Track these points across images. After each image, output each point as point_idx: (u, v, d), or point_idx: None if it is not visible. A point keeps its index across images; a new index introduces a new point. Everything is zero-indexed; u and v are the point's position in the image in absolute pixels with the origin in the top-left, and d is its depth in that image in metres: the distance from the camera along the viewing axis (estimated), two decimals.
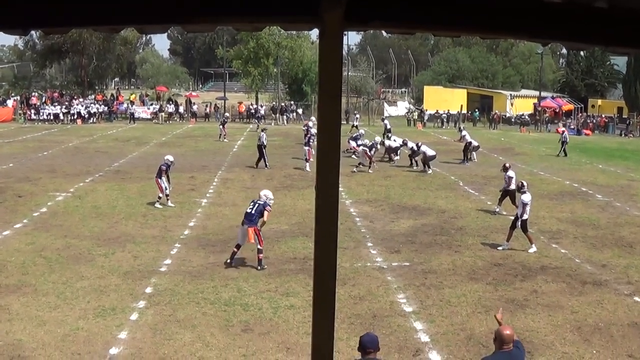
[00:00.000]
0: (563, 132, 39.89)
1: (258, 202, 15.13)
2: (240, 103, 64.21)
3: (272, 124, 57.33)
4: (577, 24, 1.95)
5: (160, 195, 21.06)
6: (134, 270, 14.54)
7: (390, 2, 1.84)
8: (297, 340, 10.84)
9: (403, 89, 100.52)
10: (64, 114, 55.01)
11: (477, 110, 64.82)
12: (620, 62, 71.18)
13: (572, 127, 59.38)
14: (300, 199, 22.36)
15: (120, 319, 11.69)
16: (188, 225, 18.89)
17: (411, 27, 1.97)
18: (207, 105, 63.75)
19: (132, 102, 64.49)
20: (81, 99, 61.20)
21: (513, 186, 20.25)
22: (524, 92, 76.09)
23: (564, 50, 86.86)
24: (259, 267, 14.74)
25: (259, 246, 14.84)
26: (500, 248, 16.80)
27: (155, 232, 18.00)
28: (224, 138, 41.45)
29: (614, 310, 12.62)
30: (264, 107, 63.43)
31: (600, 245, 17.45)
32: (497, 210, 21.02)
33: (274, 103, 66.14)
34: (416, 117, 60.86)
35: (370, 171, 29.05)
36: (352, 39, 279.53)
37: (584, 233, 18.76)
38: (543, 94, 69.61)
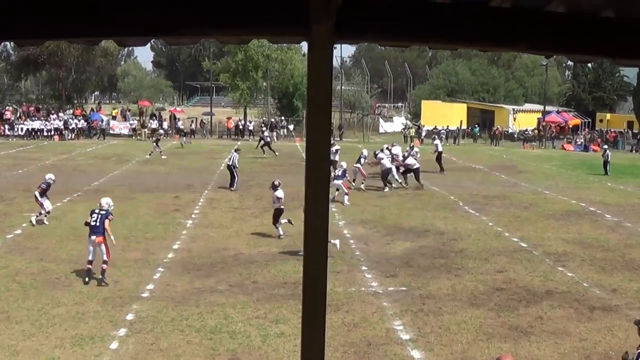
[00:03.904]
0: (605, 150, 40.16)
1: (100, 212, 15.53)
2: (228, 119, 64.29)
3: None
4: (582, 34, 1.94)
5: (42, 211, 21.33)
6: (114, 295, 14.47)
7: (382, 13, 1.85)
8: None
9: (399, 104, 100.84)
10: (49, 130, 54.98)
11: (477, 125, 65.04)
12: (630, 73, 71.48)
13: (579, 142, 59.59)
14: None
15: (99, 348, 11.62)
16: (172, 248, 18.83)
17: (405, 40, 1.97)
18: (192, 121, 63.73)
19: (114, 117, 64.48)
20: (60, 114, 61.11)
21: (282, 206, 20.21)
22: (527, 106, 76.43)
23: (570, 62, 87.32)
24: (103, 280, 15.08)
25: (105, 257, 15.24)
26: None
27: (137, 255, 17.94)
28: (159, 152, 41.94)
29: (625, 337, 12.58)
30: (252, 123, 63.45)
31: (610, 268, 17.45)
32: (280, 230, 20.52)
33: (263, 118, 66.19)
34: (413, 134, 60.95)
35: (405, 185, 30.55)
36: (345, 50, 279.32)
37: (592, 255, 18.77)
38: (548, 108, 69.85)
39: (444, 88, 78.00)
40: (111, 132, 59.50)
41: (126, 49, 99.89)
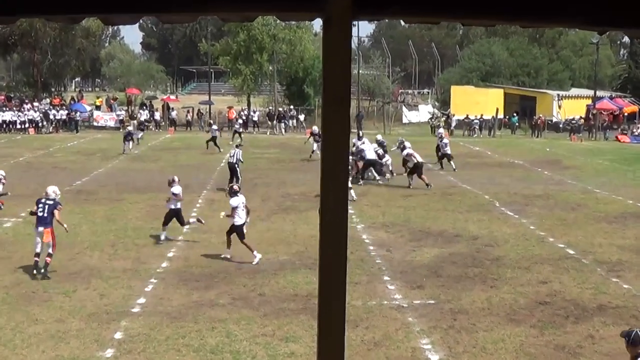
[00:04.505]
0: None
1: (47, 202, 16.77)
2: (229, 108, 64.23)
3: (268, 132, 57.39)
4: None
5: None
6: (101, 311, 14.51)
7: None
8: None
9: (426, 90, 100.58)
10: (22, 122, 55.10)
11: (516, 114, 64.71)
12: None
13: (637, 133, 59.17)
14: (302, 224, 22.30)
15: None
16: (166, 256, 18.87)
17: (435, 15, 1.96)
18: (188, 111, 63.81)
19: (97, 107, 64.61)
20: (35, 103, 61.28)
21: (179, 205, 20.39)
22: (574, 91, 75.97)
23: (626, 39, 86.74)
24: (44, 273, 16.30)
25: (50, 250, 16.51)
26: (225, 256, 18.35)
27: (127, 264, 17.98)
28: (124, 148, 41.87)
29: None
30: (257, 113, 63.42)
31: None
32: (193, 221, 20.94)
33: (269, 108, 66.16)
34: (442, 124, 60.76)
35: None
36: (363, 29, 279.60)
37: None
38: (599, 93, 69.43)
39: (477, 71, 77.53)
40: (95, 124, 59.71)
41: (111, 29, 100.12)
